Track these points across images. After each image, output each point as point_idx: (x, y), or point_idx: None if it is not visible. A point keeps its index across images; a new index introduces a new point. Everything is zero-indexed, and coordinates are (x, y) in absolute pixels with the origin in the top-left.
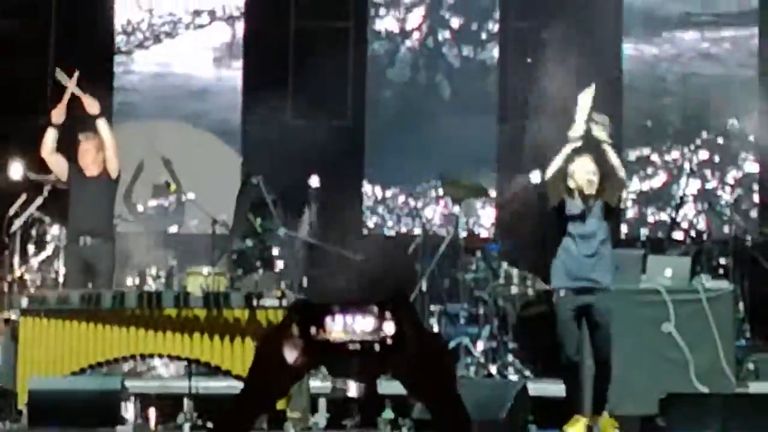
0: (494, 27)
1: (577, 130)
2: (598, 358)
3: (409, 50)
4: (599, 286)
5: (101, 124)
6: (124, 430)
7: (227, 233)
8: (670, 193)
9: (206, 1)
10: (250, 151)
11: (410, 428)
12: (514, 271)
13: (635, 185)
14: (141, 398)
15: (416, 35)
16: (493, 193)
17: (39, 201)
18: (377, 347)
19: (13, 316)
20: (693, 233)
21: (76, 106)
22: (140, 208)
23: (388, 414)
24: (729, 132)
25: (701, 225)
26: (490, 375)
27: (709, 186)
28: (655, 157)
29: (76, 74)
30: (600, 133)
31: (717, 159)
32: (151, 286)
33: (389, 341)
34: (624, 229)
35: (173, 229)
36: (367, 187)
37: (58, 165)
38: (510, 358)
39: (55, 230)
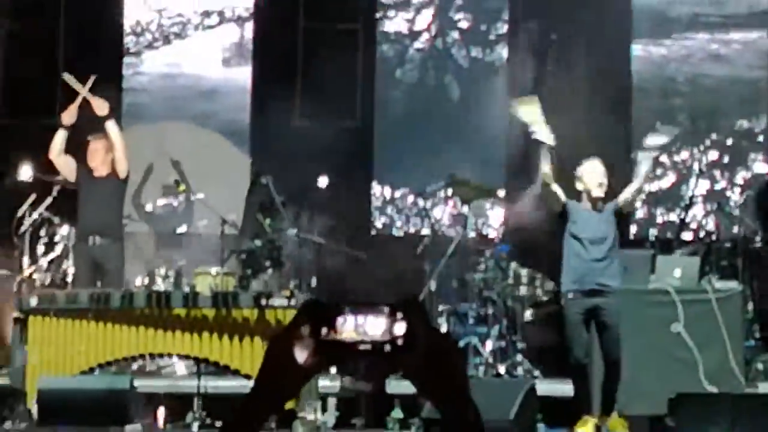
0: (503, 28)
1: (542, 135)
2: (608, 360)
3: (417, 51)
4: (608, 289)
5: (110, 125)
6: (133, 430)
7: (236, 233)
8: (679, 194)
9: (215, 2)
10: (258, 152)
11: (419, 427)
12: (523, 272)
13: (645, 186)
14: (150, 398)
15: (425, 36)
16: (502, 194)
17: (48, 201)
18: (388, 347)
19: (23, 316)
20: (702, 234)
21: (85, 107)
22: (149, 208)
23: (397, 413)
24: (738, 133)
25: (710, 225)
26: (498, 375)
27: (718, 187)
28: (664, 158)
29: (92, 78)
30: (654, 142)
31: (726, 160)
32: (160, 285)
33: (400, 342)
34: (633, 229)
35: (182, 229)
36: (375, 188)
37: (67, 166)
38: (519, 357)
39: (64, 230)
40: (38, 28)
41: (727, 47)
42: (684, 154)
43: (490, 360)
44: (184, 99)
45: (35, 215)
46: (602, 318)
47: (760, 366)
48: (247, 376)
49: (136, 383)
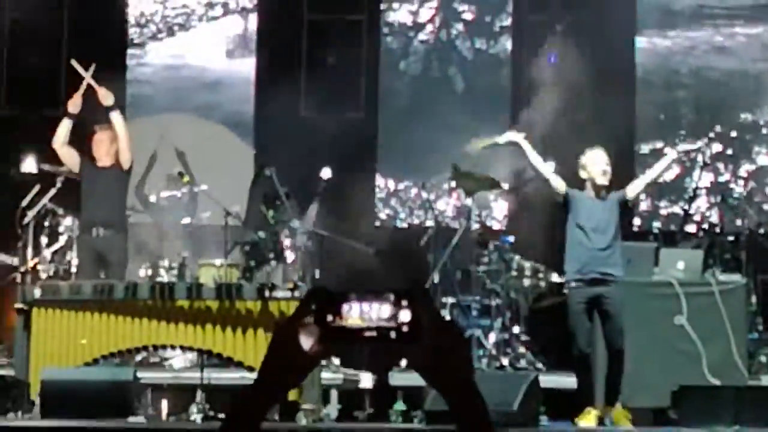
0: (507, 20)
1: (504, 138)
2: (611, 348)
3: (422, 43)
4: (611, 278)
5: (115, 115)
6: (136, 421)
7: (240, 225)
8: (683, 186)
9: None
10: (262, 143)
11: (422, 420)
12: (527, 264)
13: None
14: (153, 389)
15: (429, 28)
16: (505, 186)
17: (52, 192)
18: (393, 335)
19: (26, 307)
20: (706, 226)
21: (89, 98)
22: (153, 199)
23: (400, 405)
24: (742, 125)
25: (714, 218)
26: (502, 367)
27: (722, 179)
28: (668, 150)
29: (93, 66)
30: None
31: (730, 152)
32: (164, 277)
33: (405, 329)
34: (637, 221)
35: (186, 220)
36: (379, 180)
37: (70, 157)
38: (522, 350)
39: (68, 221)
40: (43, 20)
41: (732, 40)
42: (688, 147)
43: (494, 352)
44: (188, 90)
45: (39, 206)
46: (605, 307)
47: (763, 359)
48: (250, 368)
49: (140, 375)
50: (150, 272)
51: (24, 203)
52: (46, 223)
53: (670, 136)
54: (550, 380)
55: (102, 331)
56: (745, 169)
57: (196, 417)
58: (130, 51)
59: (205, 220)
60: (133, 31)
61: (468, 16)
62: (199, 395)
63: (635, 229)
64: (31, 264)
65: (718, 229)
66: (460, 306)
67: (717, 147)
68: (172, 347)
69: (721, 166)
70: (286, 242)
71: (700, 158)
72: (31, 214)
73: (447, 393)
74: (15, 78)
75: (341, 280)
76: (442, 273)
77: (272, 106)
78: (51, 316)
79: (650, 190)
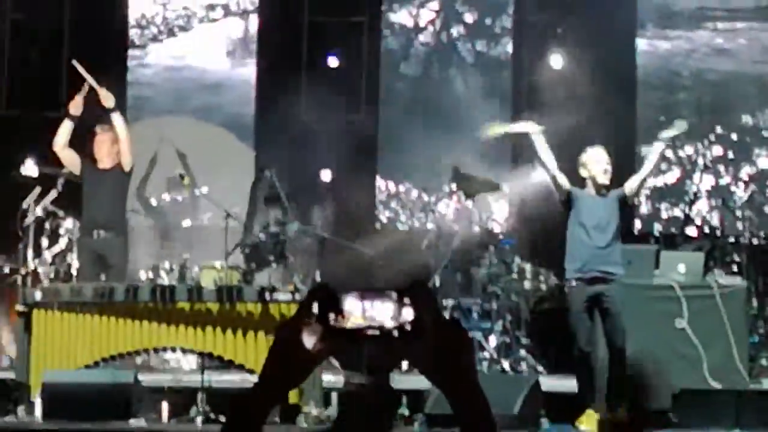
0: (508, 22)
1: (519, 128)
2: (613, 347)
3: (422, 45)
4: (611, 277)
5: (116, 117)
6: (137, 423)
7: (240, 227)
8: (683, 189)
9: None
10: (263, 145)
11: (423, 423)
12: (527, 266)
13: (649, 181)
14: (154, 392)
15: (430, 30)
16: (506, 189)
17: (53, 194)
18: (396, 333)
19: (27, 309)
20: (706, 229)
21: (90, 100)
22: (153, 201)
23: (402, 409)
24: (743, 128)
25: (715, 221)
26: (502, 370)
27: (722, 182)
28: (668, 153)
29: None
30: (668, 135)
31: (731, 155)
32: (164, 279)
33: (408, 327)
34: (637, 224)
35: (186, 222)
36: (380, 182)
37: (71, 159)
38: (522, 353)
39: (68, 223)
40: (43, 21)
41: (732, 42)
42: (688, 149)
43: (494, 355)
44: (188, 92)
45: (39, 208)
46: (606, 305)
47: (764, 362)
48: (251, 371)
49: (140, 377)
50: (151, 274)
51: (24, 205)
52: (47, 226)
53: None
54: (551, 383)
55: (103, 334)
56: (745, 171)
57: (196, 419)
58: (130, 52)
59: (205, 222)
60: (133, 33)
61: (469, 18)
62: (200, 398)
63: (636, 232)
64: (31, 266)
65: (718, 232)
66: (461, 309)
67: (718, 149)
68: (173, 350)
69: (721, 168)
70: (287, 245)
71: (700, 161)
72: (31, 216)
73: (450, 392)
74: (16, 79)
75: (342, 283)
76: (442, 276)
77: (273, 108)
78: (52, 319)
79: (648, 187)
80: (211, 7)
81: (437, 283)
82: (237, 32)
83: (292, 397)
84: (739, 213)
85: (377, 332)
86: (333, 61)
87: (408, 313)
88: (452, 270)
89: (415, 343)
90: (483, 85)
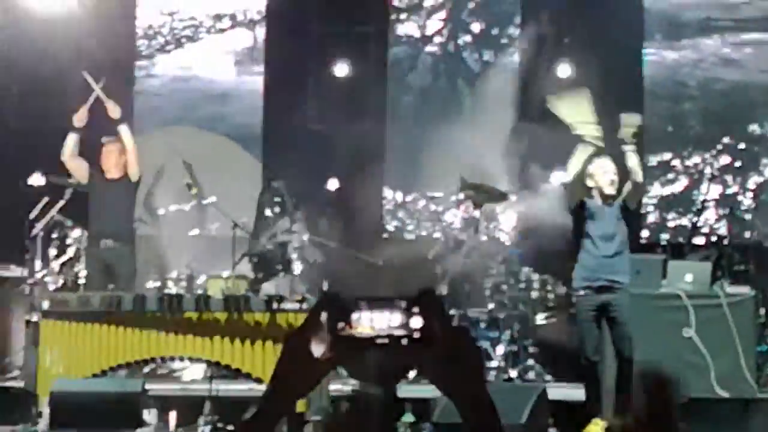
0: (515, 32)
1: (589, 131)
2: (621, 355)
3: (429, 55)
4: (618, 285)
5: (123, 129)
6: None
7: (248, 236)
8: (691, 198)
9: (227, 5)
10: (271, 155)
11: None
12: (535, 276)
13: (656, 190)
14: (162, 401)
15: (437, 40)
16: (513, 198)
17: (60, 204)
18: (405, 342)
19: (35, 319)
20: (714, 238)
21: (98, 111)
22: (161, 211)
23: (408, 417)
24: (750, 137)
25: (722, 230)
26: (510, 379)
27: (730, 191)
28: (676, 162)
29: (103, 80)
30: (626, 133)
31: (738, 164)
32: (172, 289)
33: (417, 335)
34: (645, 233)
35: (194, 232)
36: (387, 191)
37: (79, 169)
38: (530, 362)
39: (76, 233)
40: (52, 32)
41: (739, 51)
42: (696, 159)
43: (502, 364)
44: (196, 102)
45: (47, 218)
46: (613, 314)
47: None
48: (259, 380)
49: (148, 386)
50: (158, 284)
51: (32, 215)
52: (55, 235)
53: (678, 147)
54: (558, 392)
55: (110, 343)
56: (753, 181)
57: (204, 429)
58: (138, 63)
59: (213, 231)
60: (141, 43)
61: (476, 28)
62: (208, 407)
63: (643, 241)
64: (39, 276)
65: (726, 241)
66: (468, 318)
67: (725, 159)
68: (181, 359)
69: (729, 178)
70: (294, 254)
71: (708, 170)
72: (39, 225)
73: (459, 401)
74: (25, 90)
75: (350, 292)
76: (450, 285)
77: (280, 118)
78: (59, 328)
79: (657, 202)
80: (219, 18)
81: (444, 293)
82: (244, 42)
83: (299, 406)
84: (746, 221)
85: (386, 341)
86: (341, 71)
87: (417, 322)
88: (459, 280)
89: (424, 352)
90: (490, 94)
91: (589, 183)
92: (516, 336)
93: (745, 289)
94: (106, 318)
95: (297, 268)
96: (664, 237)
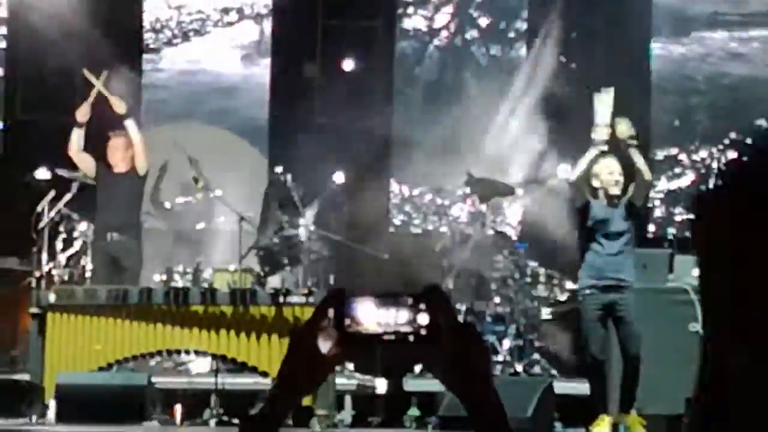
0: (523, 26)
1: (600, 133)
2: (627, 355)
3: (437, 49)
4: (624, 284)
5: (129, 123)
6: (151, 426)
7: (254, 230)
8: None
9: None
10: (277, 148)
11: (435, 426)
12: (541, 270)
13: (663, 185)
14: (168, 394)
15: (444, 34)
16: (520, 192)
17: (67, 197)
18: (411, 338)
19: (41, 312)
20: None
21: (105, 106)
22: (168, 205)
23: (414, 411)
24: (757, 131)
25: None
26: (516, 373)
27: None
28: (683, 157)
29: (104, 74)
30: (626, 133)
31: (745, 159)
32: (178, 282)
33: (424, 332)
34: (651, 228)
35: (200, 226)
36: (394, 186)
37: (86, 163)
38: (536, 356)
39: (82, 226)
40: (58, 26)
41: (747, 46)
42: (703, 153)
43: (508, 358)
44: (203, 95)
45: (54, 211)
46: (619, 314)
47: None
48: (265, 374)
49: (154, 380)
50: (164, 277)
51: (39, 208)
52: (61, 228)
53: (685, 142)
54: (564, 387)
55: (117, 336)
56: None
57: (210, 422)
58: (145, 56)
59: (219, 225)
60: (148, 37)
61: (483, 22)
62: (214, 400)
63: (650, 235)
64: (46, 269)
65: None
66: (474, 312)
67: (732, 153)
68: (187, 352)
69: None
70: (300, 248)
71: (715, 165)
72: (46, 219)
73: (465, 396)
74: (31, 84)
75: (356, 287)
76: (456, 279)
77: (287, 112)
78: (66, 321)
79: (664, 197)
80: (226, 11)
81: (451, 287)
82: (251, 36)
83: (306, 400)
84: None
85: (393, 337)
86: (348, 65)
87: (423, 318)
88: (466, 274)
89: (430, 348)
90: (497, 88)
91: (595, 183)
92: (522, 330)
93: None
94: (113, 311)
95: (303, 262)
96: (671, 231)
